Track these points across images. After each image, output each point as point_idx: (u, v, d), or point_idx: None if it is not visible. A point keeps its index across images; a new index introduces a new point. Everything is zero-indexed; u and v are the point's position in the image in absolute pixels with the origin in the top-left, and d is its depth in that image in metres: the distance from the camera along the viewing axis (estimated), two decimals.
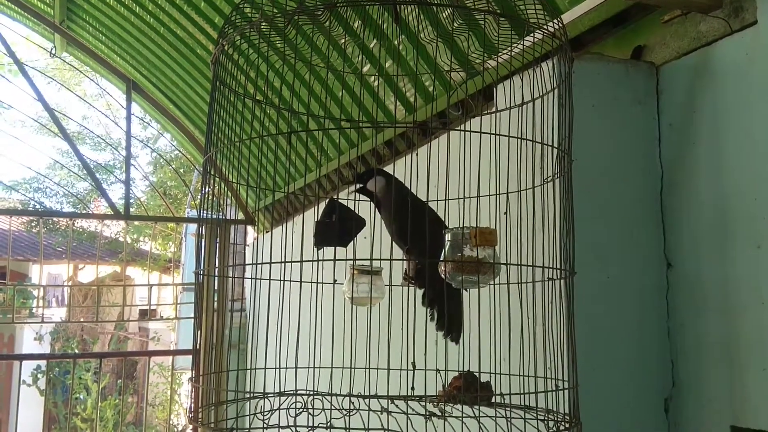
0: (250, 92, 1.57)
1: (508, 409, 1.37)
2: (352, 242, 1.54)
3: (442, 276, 1.35)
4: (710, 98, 1.91)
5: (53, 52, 5.40)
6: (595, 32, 2.29)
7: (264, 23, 1.37)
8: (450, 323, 1.60)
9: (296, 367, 1.63)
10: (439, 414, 1.34)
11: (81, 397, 10.41)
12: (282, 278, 1.49)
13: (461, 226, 1.36)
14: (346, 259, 1.43)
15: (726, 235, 1.83)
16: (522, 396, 1.37)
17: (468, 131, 1.43)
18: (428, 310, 1.67)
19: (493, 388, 1.48)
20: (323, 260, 1.39)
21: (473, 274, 1.30)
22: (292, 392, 1.52)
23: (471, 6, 1.55)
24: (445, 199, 1.54)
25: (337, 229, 1.42)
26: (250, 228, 5.81)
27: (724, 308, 1.82)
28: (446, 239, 1.34)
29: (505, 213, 1.38)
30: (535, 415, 1.32)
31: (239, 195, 5.47)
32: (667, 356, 1.95)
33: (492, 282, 1.36)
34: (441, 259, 1.35)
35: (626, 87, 2.05)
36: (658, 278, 1.98)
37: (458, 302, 1.62)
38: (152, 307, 10.80)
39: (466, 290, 1.50)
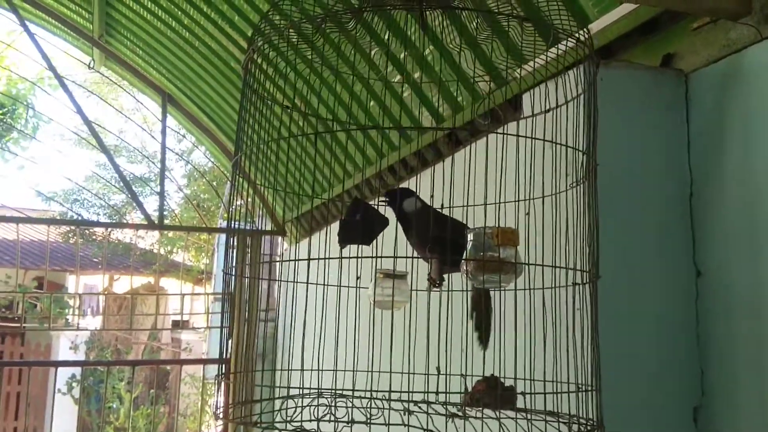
0: (291, 101, 1.61)
1: (532, 413, 1.37)
2: (379, 244, 1.56)
3: (466, 276, 1.37)
4: (740, 105, 1.89)
5: (92, 65, 5.53)
6: (625, 40, 2.29)
7: (292, 31, 1.41)
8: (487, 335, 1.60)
9: (320, 369, 1.66)
10: (461, 415, 1.35)
11: (114, 406, 10.55)
12: (309, 282, 1.52)
13: (483, 226, 1.37)
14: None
15: (756, 241, 1.81)
16: (534, 397, 1.38)
17: (496, 133, 1.44)
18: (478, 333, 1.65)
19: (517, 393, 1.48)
20: (351, 257, 1.41)
21: (495, 273, 1.31)
22: (315, 390, 1.54)
23: (496, 10, 1.57)
24: (471, 205, 1.55)
25: (361, 227, 1.44)
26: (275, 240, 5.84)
27: (754, 316, 1.79)
28: (469, 239, 1.35)
29: (527, 214, 1.39)
30: (556, 418, 1.32)
31: (271, 205, 5.53)
32: (697, 364, 1.93)
33: (513, 281, 1.37)
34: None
35: (654, 94, 2.04)
36: (687, 285, 1.97)
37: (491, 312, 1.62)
38: (184, 318, 10.92)
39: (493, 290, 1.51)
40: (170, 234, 11.67)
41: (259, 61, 1.57)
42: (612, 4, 2.22)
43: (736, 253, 1.87)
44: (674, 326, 1.95)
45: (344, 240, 1.44)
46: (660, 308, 1.96)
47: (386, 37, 2.95)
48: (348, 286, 1.59)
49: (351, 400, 1.44)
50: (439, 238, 1.40)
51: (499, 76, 2.77)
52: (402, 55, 3.09)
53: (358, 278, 1.39)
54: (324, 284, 1.57)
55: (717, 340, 1.90)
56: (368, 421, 1.28)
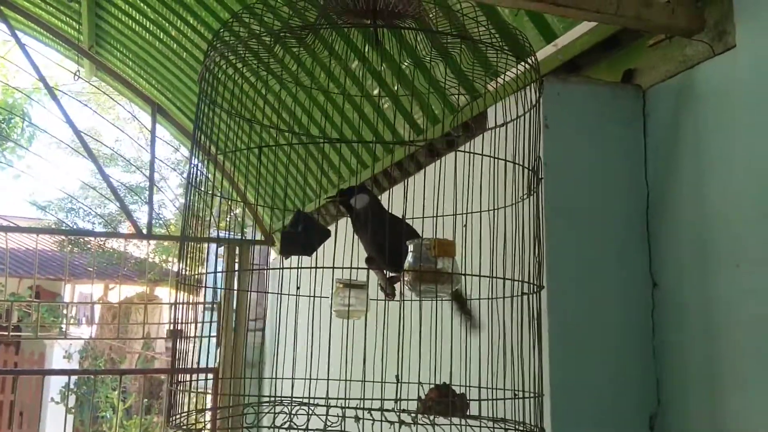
0: (252, 113, 1.65)
1: (477, 419, 1.40)
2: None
3: (406, 286, 1.41)
4: (693, 120, 1.94)
5: (77, 75, 5.59)
6: (589, 56, 2.33)
7: (242, 50, 1.45)
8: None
9: (282, 377, 1.70)
10: (409, 422, 1.39)
11: (108, 415, 10.54)
12: (289, 292, 1.56)
13: (422, 237, 1.41)
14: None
15: (708, 254, 1.85)
16: (486, 404, 1.41)
17: (447, 150, 1.49)
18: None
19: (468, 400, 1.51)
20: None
21: (432, 283, 1.35)
22: (278, 398, 1.58)
23: (450, 32, 1.61)
24: (431, 216, 1.59)
25: (302, 238, 1.48)
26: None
27: (706, 327, 1.84)
28: (409, 250, 1.39)
29: (464, 226, 1.43)
30: (496, 424, 1.36)
31: (261, 215, 5.57)
32: (653, 373, 1.97)
33: (450, 291, 1.41)
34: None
35: (613, 109, 2.09)
36: (643, 297, 2.01)
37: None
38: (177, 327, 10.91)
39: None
40: (165, 243, 11.68)
41: (220, 75, 1.62)
42: (575, 21, 2.26)
43: (689, 266, 1.91)
44: (632, 336, 1.99)
45: (285, 251, 1.48)
46: (619, 318, 2.00)
47: (365, 50, 3.00)
48: (312, 296, 1.63)
49: (312, 408, 1.48)
50: (380, 245, 1.44)
51: (472, 88, 2.82)
52: (380, 68, 3.15)
53: (297, 288, 1.43)
54: (296, 295, 1.61)
55: (672, 350, 1.93)
56: (306, 427, 1.31)
